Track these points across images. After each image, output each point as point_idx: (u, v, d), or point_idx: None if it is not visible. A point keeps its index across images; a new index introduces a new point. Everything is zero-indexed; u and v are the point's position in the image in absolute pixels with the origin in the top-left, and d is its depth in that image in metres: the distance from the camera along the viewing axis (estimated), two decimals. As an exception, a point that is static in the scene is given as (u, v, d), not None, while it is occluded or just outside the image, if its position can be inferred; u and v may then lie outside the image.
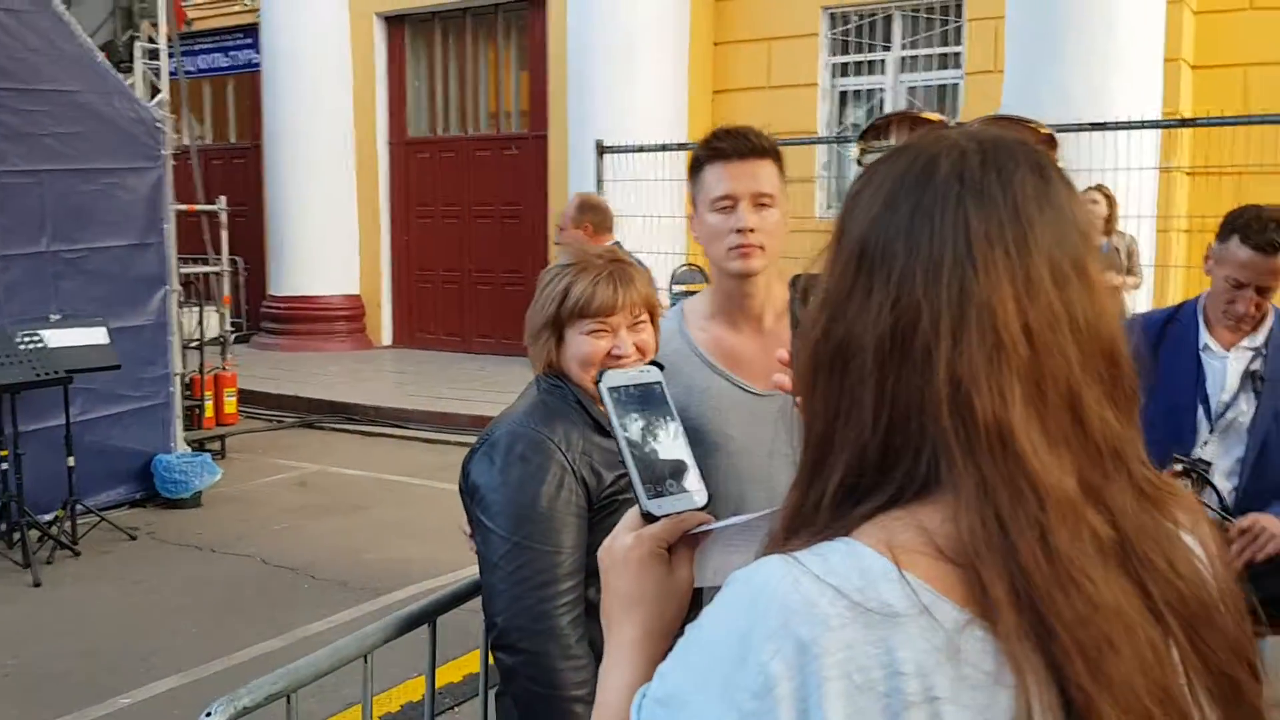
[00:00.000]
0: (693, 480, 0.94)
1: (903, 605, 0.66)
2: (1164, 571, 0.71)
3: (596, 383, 0.97)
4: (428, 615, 2.16)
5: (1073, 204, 0.75)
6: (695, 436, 1.99)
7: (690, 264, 10.34)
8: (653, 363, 1.07)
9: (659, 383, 0.98)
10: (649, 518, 0.92)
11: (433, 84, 13.49)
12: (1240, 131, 8.44)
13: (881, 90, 11.25)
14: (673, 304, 11.26)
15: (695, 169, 2.11)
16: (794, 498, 0.78)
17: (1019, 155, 0.75)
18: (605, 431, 1.86)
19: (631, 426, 0.95)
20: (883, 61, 11.18)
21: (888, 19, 11.10)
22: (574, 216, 4.94)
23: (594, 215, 4.86)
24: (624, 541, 0.91)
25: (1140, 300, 7.38)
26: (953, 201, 0.73)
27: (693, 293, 11.80)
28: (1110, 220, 6.87)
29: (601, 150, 5.12)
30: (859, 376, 0.73)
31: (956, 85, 10.82)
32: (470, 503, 1.83)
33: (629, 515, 0.94)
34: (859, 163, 0.82)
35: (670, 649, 0.79)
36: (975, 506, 0.69)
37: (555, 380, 1.90)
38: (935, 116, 0.81)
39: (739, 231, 2.01)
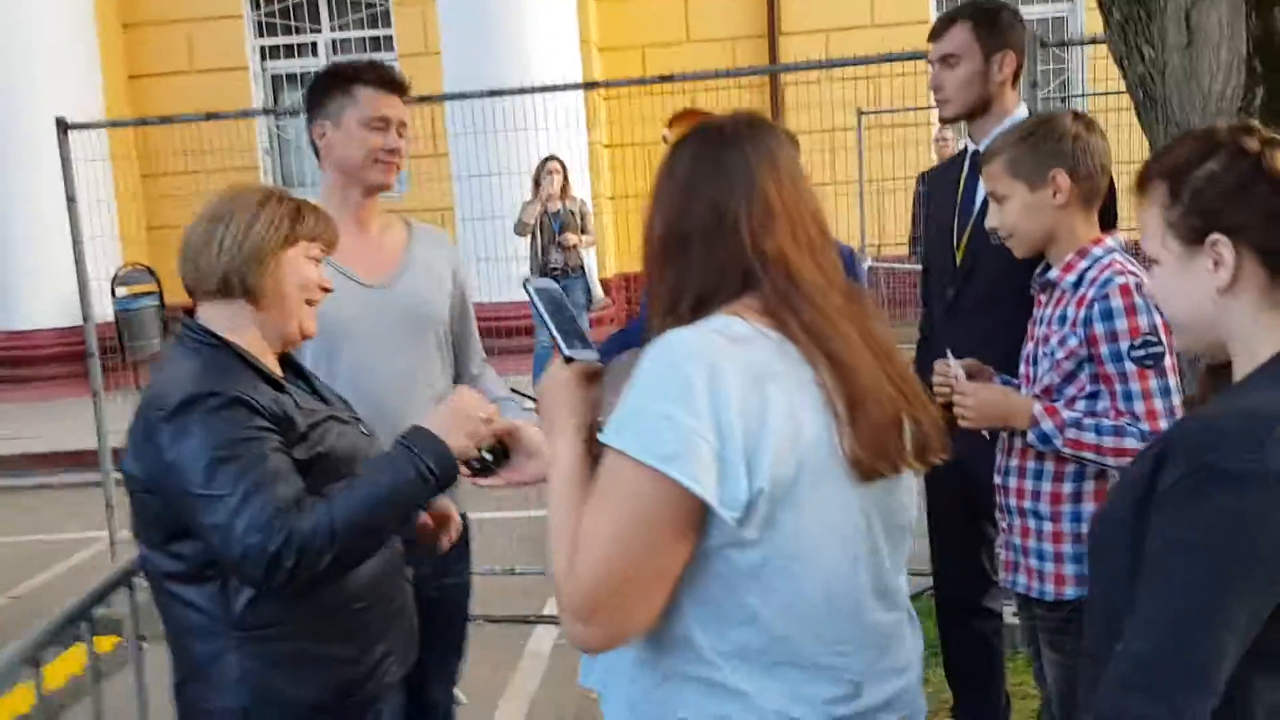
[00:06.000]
0: (590, 345, 1.44)
1: (749, 333, 1.27)
2: (868, 321, 1.36)
3: (525, 284, 1.43)
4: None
5: (787, 144, 1.38)
6: (322, 326, 1.96)
7: (136, 264, 9.54)
8: (554, 277, 1.34)
9: (557, 288, 1.54)
10: (569, 361, 1.40)
11: None
12: (640, 105, 9.43)
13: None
14: (120, 309, 10.03)
15: (342, 84, 2.34)
16: (659, 312, 1.34)
17: (763, 123, 1.41)
18: (275, 385, 1.80)
19: (550, 308, 1.46)
20: (314, 44, 11.05)
21: (314, 1, 10.98)
22: None
23: None
24: (561, 372, 1.42)
25: (594, 255, 8.12)
26: (740, 148, 1.35)
27: (139, 295, 10.72)
28: (565, 187, 7.51)
29: (65, 127, 4.59)
30: (697, 246, 1.33)
31: (392, 67, 10.99)
32: (162, 479, 1.69)
33: (556, 361, 1.41)
34: (666, 140, 1.20)
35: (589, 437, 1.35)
36: (774, 292, 1.30)
37: (210, 339, 1.79)
38: (705, 110, 1.20)
39: (391, 151, 2.34)
